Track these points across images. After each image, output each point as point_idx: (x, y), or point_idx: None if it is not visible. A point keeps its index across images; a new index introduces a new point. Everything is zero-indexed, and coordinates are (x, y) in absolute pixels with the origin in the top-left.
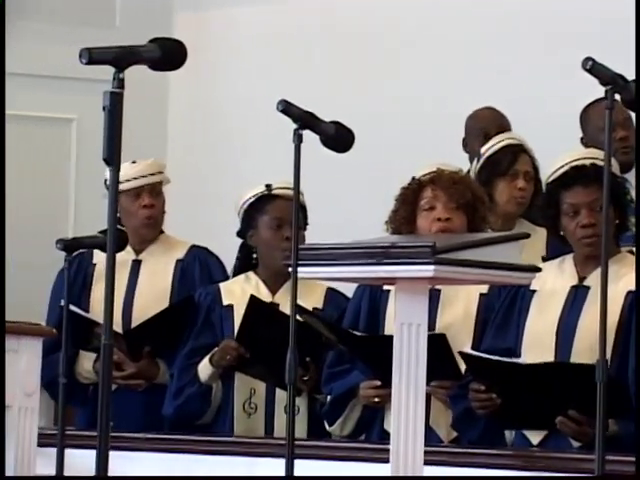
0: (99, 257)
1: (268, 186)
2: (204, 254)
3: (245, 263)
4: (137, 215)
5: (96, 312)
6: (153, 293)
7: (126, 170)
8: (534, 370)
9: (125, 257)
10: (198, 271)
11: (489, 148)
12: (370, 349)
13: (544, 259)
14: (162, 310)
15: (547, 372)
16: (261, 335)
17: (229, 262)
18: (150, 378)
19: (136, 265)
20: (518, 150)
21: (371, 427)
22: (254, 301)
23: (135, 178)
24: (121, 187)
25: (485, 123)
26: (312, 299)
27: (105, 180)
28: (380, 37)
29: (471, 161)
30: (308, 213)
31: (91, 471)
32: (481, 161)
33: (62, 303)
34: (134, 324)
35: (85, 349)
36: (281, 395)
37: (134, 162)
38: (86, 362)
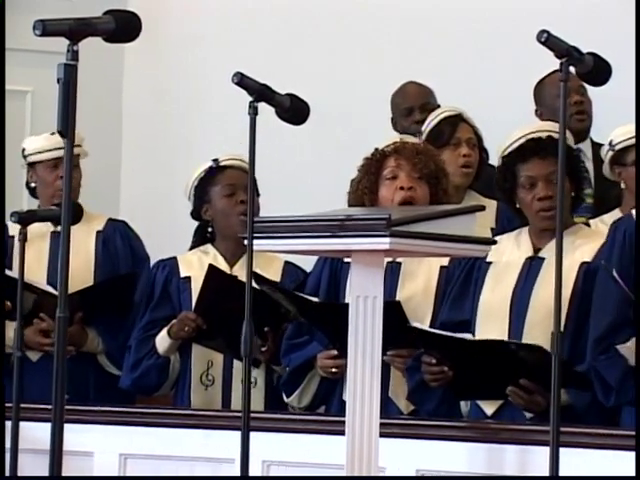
0: (15, 230)
1: (215, 160)
2: (123, 226)
3: (201, 242)
4: (53, 185)
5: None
6: (77, 264)
7: (45, 141)
8: (483, 345)
9: (44, 229)
10: (120, 243)
11: (428, 123)
12: (328, 317)
13: (493, 230)
14: (105, 279)
15: (496, 348)
16: (219, 306)
17: (184, 234)
18: (78, 345)
19: (56, 236)
20: (457, 120)
21: (330, 399)
22: (213, 270)
23: (53, 149)
24: (39, 157)
25: (408, 98)
26: (269, 272)
27: (23, 150)
28: (339, 10)
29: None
30: (263, 184)
31: (46, 444)
32: (423, 137)
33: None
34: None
35: (8, 318)
36: (238, 367)
37: (53, 133)
38: (9, 331)
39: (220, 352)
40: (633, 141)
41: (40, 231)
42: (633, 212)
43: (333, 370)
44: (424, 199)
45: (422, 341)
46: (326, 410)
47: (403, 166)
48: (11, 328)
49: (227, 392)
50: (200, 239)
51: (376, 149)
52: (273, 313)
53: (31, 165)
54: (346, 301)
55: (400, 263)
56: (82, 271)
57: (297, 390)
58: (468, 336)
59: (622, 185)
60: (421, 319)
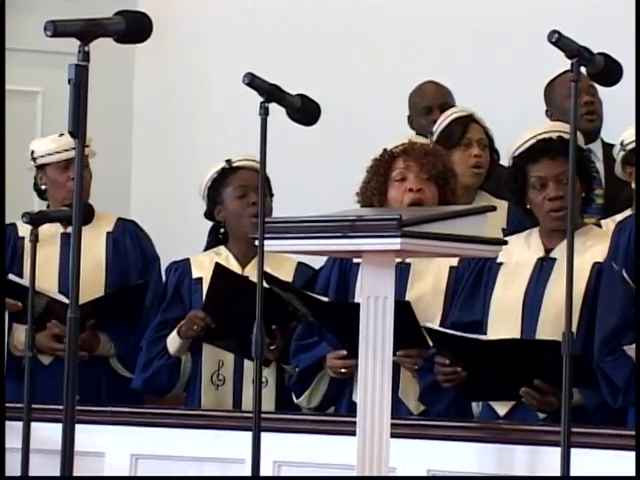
0: (25, 231)
1: (228, 161)
2: (132, 227)
3: (215, 243)
4: (65, 187)
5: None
6: (87, 267)
7: (54, 143)
8: (498, 345)
9: (53, 231)
10: (129, 244)
11: (440, 124)
12: (338, 317)
13: (504, 231)
14: (116, 290)
15: (511, 347)
16: (228, 305)
17: (195, 236)
18: (91, 350)
19: (66, 238)
20: (468, 120)
21: (339, 399)
22: (219, 269)
23: (63, 151)
24: (49, 159)
25: (426, 97)
26: (282, 272)
27: (32, 152)
28: (340, 10)
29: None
30: (276, 185)
31: (57, 444)
32: (434, 138)
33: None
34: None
35: (20, 322)
36: (249, 367)
37: (61, 135)
38: (21, 334)
39: (231, 352)
40: None
41: (49, 233)
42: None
43: (342, 370)
44: (433, 200)
45: (435, 342)
46: (335, 411)
47: (412, 167)
48: (23, 331)
49: (238, 392)
50: (214, 240)
51: (385, 150)
52: (282, 312)
53: (40, 167)
54: (355, 301)
55: (409, 264)
56: (93, 273)
57: (307, 391)
58: (482, 336)
59: (632, 185)
60: (430, 319)
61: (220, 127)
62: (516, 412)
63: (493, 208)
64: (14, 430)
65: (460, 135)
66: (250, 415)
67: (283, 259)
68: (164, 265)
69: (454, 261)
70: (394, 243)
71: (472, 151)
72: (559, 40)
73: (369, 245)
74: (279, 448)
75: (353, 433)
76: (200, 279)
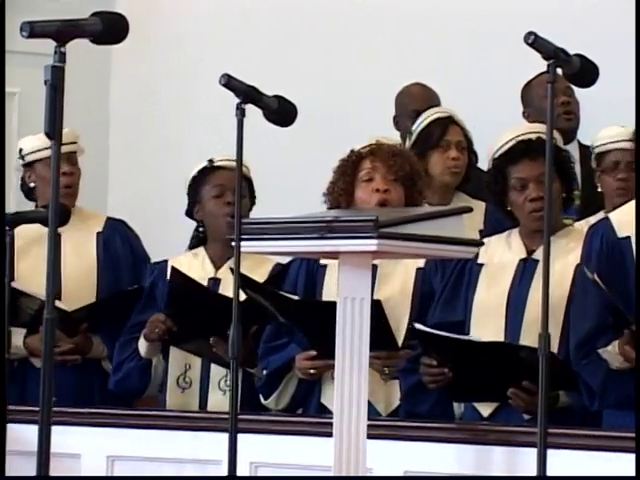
0: (15, 231)
1: (210, 160)
2: (122, 226)
3: (197, 243)
4: None
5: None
6: (79, 267)
7: (43, 139)
8: (489, 347)
9: (42, 231)
10: (120, 244)
11: (419, 124)
12: (309, 316)
13: (481, 232)
14: (110, 295)
15: (499, 350)
16: (188, 308)
17: (173, 237)
18: (84, 353)
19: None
20: (447, 122)
21: (308, 401)
22: (173, 272)
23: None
24: (39, 155)
25: (415, 100)
26: (258, 274)
27: (20, 150)
28: (335, 10)
29: (402, 138)
30: (256, 187)
31: (33, 445)
32: (413, 138)
33: None
34: (65, 299)
35: (12, 324)
36: (216, 370)
37: None
38: (13, 337)
39: (197, 355)
40: (608, 146)
41: (39, 233)
42: (609, 215)
43: (311, 371)
44: (399, 201)
45: (423, 343)
46: (303, 412)
47: (379, 168)
48: (14, 334)
49: (204, 395)
50: (196, 240)
51: (352, 150)
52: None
53: (29, 165)
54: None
55: (376, 265)
56: (85, 274)
57: (275, 392)
58: (474, 338)
59: (599, 188)
60: (398, 321)
61: (199, 128)
62: (500, 413)
63: (469, 209)
64: None
65: (439, 137)
66: (227, 416)
67: (261, 261)
68: None
69: (421, 263)
70: (371, 244)
71: (450, 153)
72: (535, 41)
73: (346, 246)
74: (256, 449)
75: (330, 434)
76: None
